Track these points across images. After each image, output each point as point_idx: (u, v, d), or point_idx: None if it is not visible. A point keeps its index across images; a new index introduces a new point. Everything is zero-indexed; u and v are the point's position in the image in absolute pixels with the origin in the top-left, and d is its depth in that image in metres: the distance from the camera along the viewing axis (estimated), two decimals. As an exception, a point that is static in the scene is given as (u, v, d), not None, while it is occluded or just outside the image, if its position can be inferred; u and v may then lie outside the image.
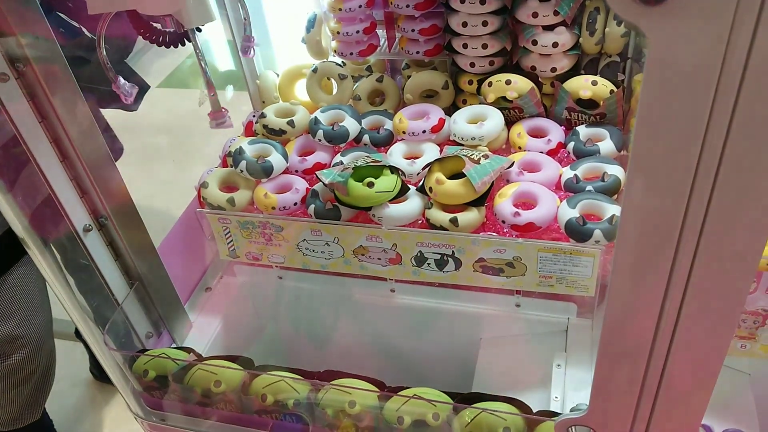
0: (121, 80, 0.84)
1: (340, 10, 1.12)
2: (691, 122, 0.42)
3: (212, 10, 0.72)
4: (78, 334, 1.91)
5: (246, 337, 1.16)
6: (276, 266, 1.11)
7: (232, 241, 1.08)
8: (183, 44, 0.80)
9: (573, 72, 1.09)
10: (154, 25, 0.79)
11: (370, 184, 0.96)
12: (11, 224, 0.76)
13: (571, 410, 0.85)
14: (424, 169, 1.01)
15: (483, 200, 0.96)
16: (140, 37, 1.25)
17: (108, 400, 1.86)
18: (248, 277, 1.16)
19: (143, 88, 1.33)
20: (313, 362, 1.16)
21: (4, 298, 1.33)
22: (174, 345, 1.05)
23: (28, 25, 0.71)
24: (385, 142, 1.14)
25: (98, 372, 1.93)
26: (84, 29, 1.24)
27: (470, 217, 0.95)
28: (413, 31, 1.12)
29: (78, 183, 0.84)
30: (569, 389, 0.92)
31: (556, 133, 1.07)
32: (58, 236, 0.83)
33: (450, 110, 1.15)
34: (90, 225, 0.86)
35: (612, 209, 0.91)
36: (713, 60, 0.39)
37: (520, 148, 1.07)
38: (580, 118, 1.09)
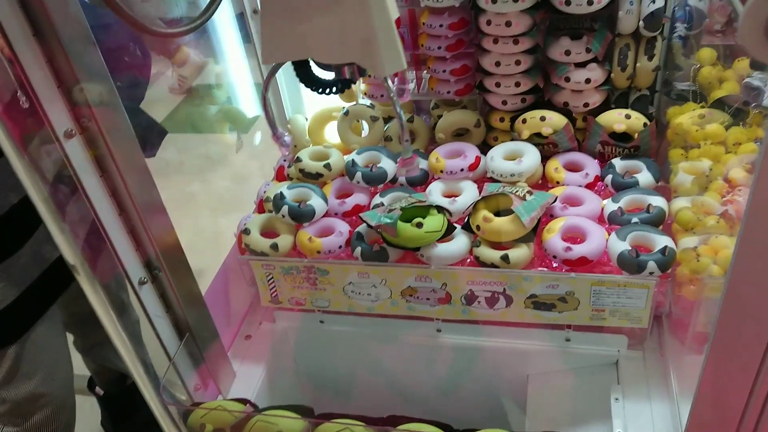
0: (280, 130, 0.82)
1: (371, 53, 1.13)
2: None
3: (404, 57, 0.67)
4: (90, 388, 1.86)
5: (291, 384, 1.14)
6: (317, 310, 1.10)
7: (275, 286, 1.07)
8: (343, 91, 0.78)
9: (604, 106, 1.11)
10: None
11: (419, 225, 0.96)
12: (78, 277, 0.74)
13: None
14: (469, 207, 1.02)
15: (532, 236, 0.97)
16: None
17: (126, 456, 1.80)
18: (289, 323, 1.14)
19: (161, 134, 1.33)
20: (361, 407, 1.14)
21: (27, 355, 1.29)
22: (220, 396, 1.02)
23: (92, 79, 0.71)
24: (420, 181, 1.14)
25: (112, 427, 1.87)
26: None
27: (521, 253, 0.96)
28: (444, 71, 1.14)
29: (134, 235, 0.83)
30: (630, 422, 0.92)
31: (592, 166, 1.09)
32: (118, 289, 0.82)
33: (481, 148, 1.16)
34: (145, 278, 0.85)
35: (662, 240, 0.92)
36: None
37: (558, 182, 1.08)
38: (613, 151, 1.10)
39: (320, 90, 0.78)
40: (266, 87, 0.78)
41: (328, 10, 0.67)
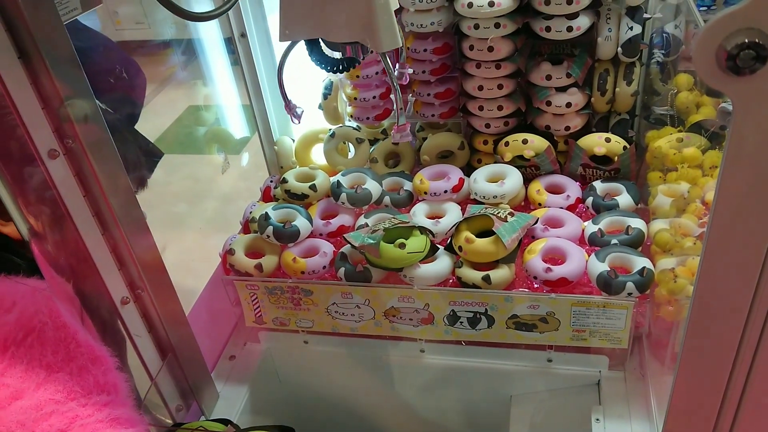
0: (292, 101, 0.93)
1: (357, 77, 1.15)
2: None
3: (399, 35, 0.78)
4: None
5: (274, 405, 1.14)
6: (302, 331, 1.11)
7: (258, 307, 1.07)
8: (348, 70, 0.89)
9: (585, 130, 1.13)
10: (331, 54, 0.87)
11: (402, 246, 0.97)
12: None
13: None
14: (452, 228, 1.03)
15: (513, 257, 0.98)
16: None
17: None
18: (273, 344, 1.14)
19: (157, 156, 1.34)
20: (345, 427, 1.14)
21: None
22: (203, 417, 1.02)
23: (77, 100, 0.72)
24: (405, 203, 1.15)
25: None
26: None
27: (501, 274, 0.97)
28: (429, 95, 1.16)
29: (117, 255, 0.83)
30: (610, 443, 0.92)
31: (573, 188, 1.11)
32: (98, 309, 0.82)
33: (465, 170, 1.18)
34: (128, 297, 0.85)
35: (640, 261, 0.93)
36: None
37: (540, 204, 1.09)
38: (594, 174, 1.12)
39: (329, 68, 0.87)
40: (281, 66, 0.89)
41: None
